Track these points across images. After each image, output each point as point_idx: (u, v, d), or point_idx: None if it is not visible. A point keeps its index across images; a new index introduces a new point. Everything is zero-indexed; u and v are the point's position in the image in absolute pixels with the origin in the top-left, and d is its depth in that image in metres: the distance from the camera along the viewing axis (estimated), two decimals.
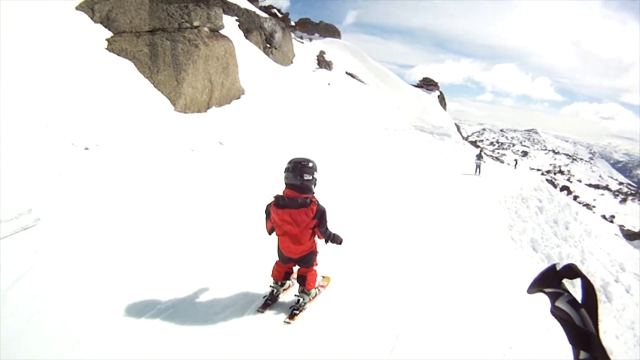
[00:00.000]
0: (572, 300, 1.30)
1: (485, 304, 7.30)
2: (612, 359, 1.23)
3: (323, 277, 6.08)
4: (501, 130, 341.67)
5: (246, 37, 28.06)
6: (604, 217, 68.16)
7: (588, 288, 1.29)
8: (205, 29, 16.95)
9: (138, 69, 14.56)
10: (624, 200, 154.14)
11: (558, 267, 1.35)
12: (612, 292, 18.98)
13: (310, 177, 4.84)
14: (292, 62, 35.06)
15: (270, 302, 5.35)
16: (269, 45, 31.62)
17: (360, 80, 42.42)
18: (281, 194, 4.87)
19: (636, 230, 55.12)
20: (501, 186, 23.93)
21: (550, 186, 35.04)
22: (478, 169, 28.12)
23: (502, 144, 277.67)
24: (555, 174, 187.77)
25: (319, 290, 5.75)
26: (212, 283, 5.72)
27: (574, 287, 1.35)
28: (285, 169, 4.89)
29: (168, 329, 4.60)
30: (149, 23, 15.44)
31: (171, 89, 14.98)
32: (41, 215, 6.86)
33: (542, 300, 1.82)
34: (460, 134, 49.03)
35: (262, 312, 5.16)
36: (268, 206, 4.96)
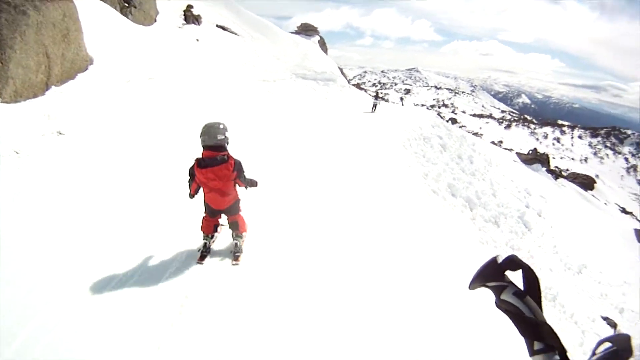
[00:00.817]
0: (517, 292, 1.34)
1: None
2: (562, 343, 1.25)
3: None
4: (382, 72, 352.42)
5: None
6: (493, 143, 70.87)
7: (529, 276, 1.34)
8: None
9: None
10: (508, 127, 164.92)
11: (499, 260, 1.38)
12: (529, 221, 19.67)
13: (223, 137, 5.27)
14: (155, 21, 31.31)
15: (205, 253, 5.92)
16: (127, 5, 28.13)
17: (233, 32, 39.01)
18: (201, 156, 5.27)
19: (524, 152, 57.68)
20: (401, 128, 23.01)
21: (445, 122, 35.12)
22: (374, 107, 30.57)
23: (384, 84, 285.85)
24: (439, 107, 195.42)
25: (245, 233, 6.31)
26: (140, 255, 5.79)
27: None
28: (201, 134, 5.22)
29: (126, 298, 4.78)
30: None
31: None
32: None
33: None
34: (345, 77, 47.80)
35: (202, 263, 5.74)
36: (191, 169, 5.34)
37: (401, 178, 13.98)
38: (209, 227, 5.92)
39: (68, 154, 10.23)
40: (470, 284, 1.45)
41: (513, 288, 1.36)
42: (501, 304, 1.36)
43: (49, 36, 13.54)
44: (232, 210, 5.83)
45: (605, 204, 47.55)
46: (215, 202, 5.60)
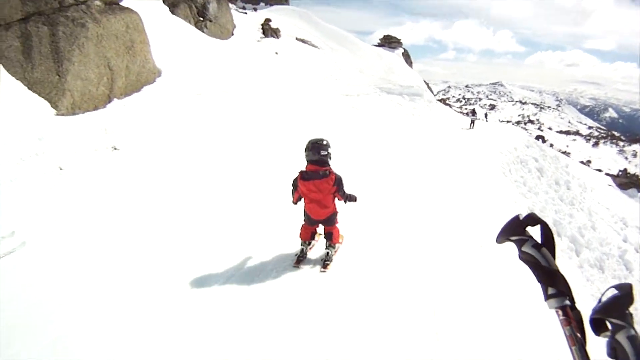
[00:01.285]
0: (536, 244, 1.44)
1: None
2: (572, 292, 1.37)
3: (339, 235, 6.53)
4: (466, 86, 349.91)
5: (172, 12, 24.18)
6: (582, 163, 66.82)
7: (546, 231, 1.44)
8: (97, 2, 12.33)
9: (8, 70, 10.51)
10: (596, 144, 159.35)
11: (521, 217, 1.49)
12: (630, 260, 17.21)
13: (326, 153, 5.66)
14: (232, 34, 30.82)
15: (301, 258, 6.14)
16: (202, 19, 27.65)
17: (313, 45, 37.83)
18: (304, 169, 5.67)
19: (614, 172, 53.89)
20: (496, 149, 20.86)
21: (537, 141, 32.77)
22: (472, 124, 31.10)
23: (468, 99, 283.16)
24: (525, 124, 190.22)
25: (339, 245, 6.60)
26: (242, 256, 6.21)
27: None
28: (306, 149, 5.66)
29: (232, 294, 5.18)
30: (21, 9, 10.97)
31: (51, 87, 10.80)
32: None
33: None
34: (432, 92, 45.45)
35: (298, 267, 5.97)
36: (295, 180, 5.76)
37: (508, 216, 11.85)
38: (307, 235, 6.16)
39: (117, 172, 9.59)
40: (497, 238, 1.55)
41: (532, 241, 1.44)
42: (522, 255, 1.45)
43: (111, 48, 12.79)
44: (329, 222, 6.04)
45: None
46: (314, 212, 5.91)
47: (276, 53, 30.29)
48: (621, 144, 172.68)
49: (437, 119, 31.07)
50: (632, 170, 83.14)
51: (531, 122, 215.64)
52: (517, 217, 1.49)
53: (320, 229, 6.33)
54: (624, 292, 1.17)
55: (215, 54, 21.65)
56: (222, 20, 29.91)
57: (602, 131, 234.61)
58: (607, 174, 49.64)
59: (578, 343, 1.26)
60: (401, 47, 52.93)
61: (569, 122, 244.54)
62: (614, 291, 1.21)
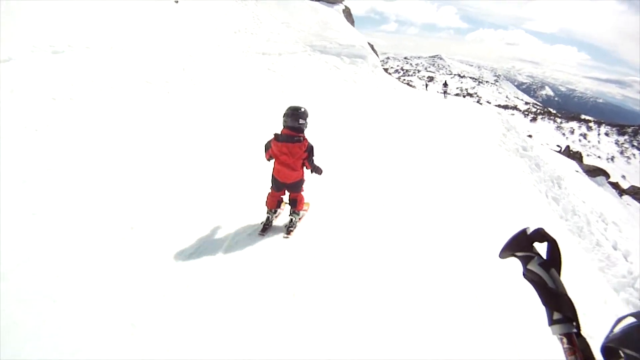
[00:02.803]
0: (543, 263, 1.42)
1: None
2: (579, 318, 1.34)
3: (304, 202, 6.72)
4: (405, 58, 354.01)
5: None
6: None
7: (554, 249, 1.42)
8: None
9: None
10: (534, 120, 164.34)
11: (528, 232, 1.47)
12: None
13: (303, 121, 5.85)
14: None
15: (267, 226, 6.26)
16: None
17: None
18: (280, 132, 5.82)
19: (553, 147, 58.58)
20: (490, 139, 16.73)
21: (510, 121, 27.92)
22: (445, 95, 33.99)
23: (407, 70, 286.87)
24: (464, 96, 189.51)
25: (304, 212, 6.81)
26: (213, 225, 6.16)
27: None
28: (284, 115, 5.83)
29: (197, 265, 5.11)
30: None
31: None
32: None
33: None
34: (377, 55, 38.82)
35: (263, 235, 6.09)
36: (269, 141, 5.90)
37: None
38: (273, 203, 6.24)
39: None
40: (500, 252, 1.51)
41: (539, 259, 1.41)
42: (528, 274, 1.43)
43: None
44: (296, 187, 6.15)
45: None
46: (282, 175, 5.95)
47: (176, 2, 23.63)
48: (558, 120, 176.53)
49: (385, 88, 25.88)
50: (572, 147, 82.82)
51: (470, 95, 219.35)
52: (524, 231, 1.46)
53: (286, 197, 6.40)
54: None
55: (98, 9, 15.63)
56: None
57: (538, 107, 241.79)
58: (561, 153, 48.32)
59: None
60: (342, 2, 42.86)
61: (507, 97, 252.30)
62: (632, 319, 1.16)
